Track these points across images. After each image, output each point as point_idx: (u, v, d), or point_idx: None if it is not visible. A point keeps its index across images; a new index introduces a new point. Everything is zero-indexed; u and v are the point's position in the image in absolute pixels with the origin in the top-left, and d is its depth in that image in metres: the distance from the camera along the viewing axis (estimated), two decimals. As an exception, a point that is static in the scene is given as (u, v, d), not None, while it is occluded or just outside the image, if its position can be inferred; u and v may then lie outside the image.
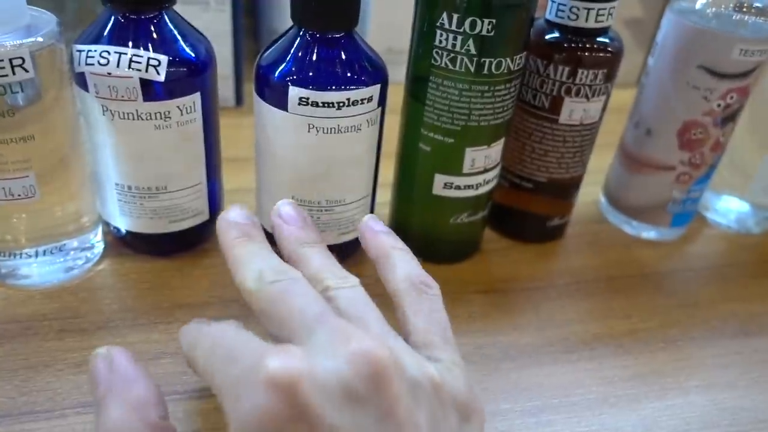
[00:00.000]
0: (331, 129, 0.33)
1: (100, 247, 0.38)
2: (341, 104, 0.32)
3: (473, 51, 0.32)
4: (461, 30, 0.32)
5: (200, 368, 0.22)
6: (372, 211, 0.39)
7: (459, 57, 0.33)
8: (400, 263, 0.26)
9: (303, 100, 0.32)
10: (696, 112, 0.40)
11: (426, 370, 0.22)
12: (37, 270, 0.35)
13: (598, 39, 0.37)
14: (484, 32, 0.32)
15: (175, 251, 0.39)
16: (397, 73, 0.36)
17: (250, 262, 0.24)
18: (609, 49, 0.37)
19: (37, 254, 0.35)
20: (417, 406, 0.20)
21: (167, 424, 0.21)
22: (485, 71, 0.33)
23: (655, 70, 0.42)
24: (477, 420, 0.23)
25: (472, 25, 0.32)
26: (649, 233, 0.46)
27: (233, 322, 0.23)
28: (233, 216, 0.26)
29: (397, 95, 0.37)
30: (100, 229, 0.38)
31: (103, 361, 0.22)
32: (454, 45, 0.33)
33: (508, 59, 0.33)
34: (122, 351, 0.22)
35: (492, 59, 0.33)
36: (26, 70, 0.29)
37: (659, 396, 0.34)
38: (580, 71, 0.37)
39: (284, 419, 0.18)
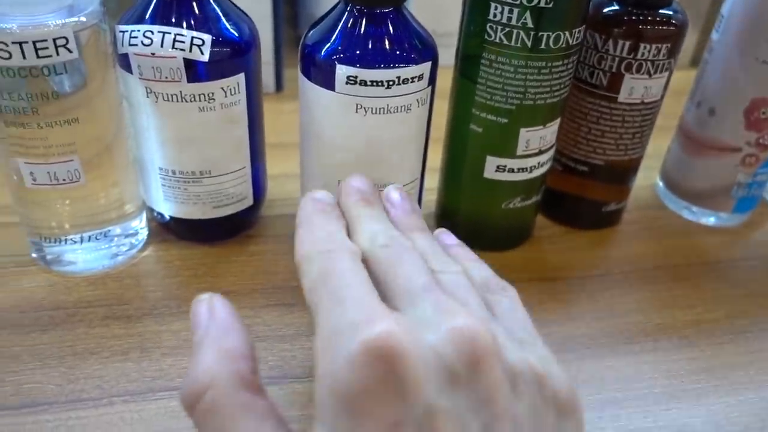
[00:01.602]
0: (380, 109, 0.31)
1: (144, 233, 0.38)
2: (391, 83, 0.31)
3: (530, 24, 0.31)
4: (517, 2, 0.30)
5: (305, 290, 0.21)
6: (420, 196, 0.38)
7: (515, 31, 0.31)
8: (475, 271, 0.25)
9: (351, 79, 0.30)
10: (766, 90, 0.38)
11: (529, 360, 0.20)
12: (82, 256, 0.35)
13: (661, 11, 0.35)
14: (542, 4, 0.30)
15: (219, 237, 0.38)
16: (442, 57, 0.35)
17: (365, 223, 0.24)
18: (673, 21, 0.35)
19: (82, 240, 0.34)
20: (517, 397, 0.19)
21: (255, 378, 0.20)
22: (542, 46, 0.31)
23: (719, 45, 0.39)
24: (575, 419, 0.21)
25: (530, -4, 0.30)
26: (709, 219, 0.44)
27: (353, 251, 0.22)
28: (356, 182, 0.26)
29: (441, 79, 0.35)
30: (144, 215, 0.37)
31: (206, 306, 0.22)
32: (509, 18, 0.31)
33: (567, 33, 0.31)
34: (222, 300, 0.22)
35: (550, 33, 0.31)
36: (70, 51, 0.29)
37: (729, 391, 0.32)
38: (641, 46, 0.35)
39: (377, 389, 0.17)
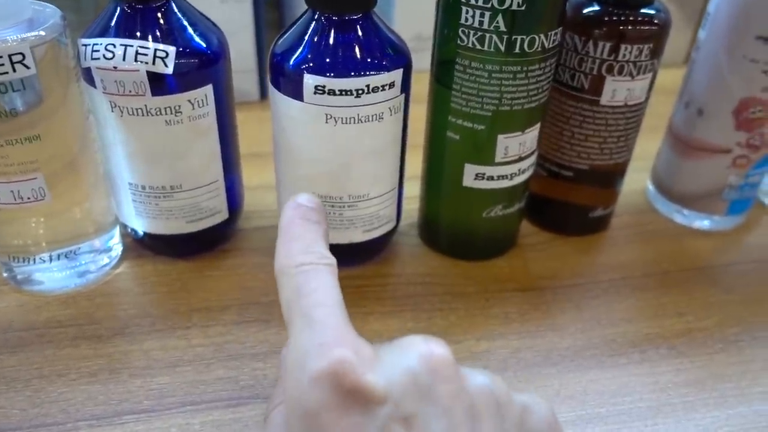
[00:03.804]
0: (350, 119, 0.30)
1: (118, 249, 0.37)
2: (360, 92, 0.30)
3: (503, 28, 0.30)
4: (489, 5, 0.29)
5: (282, 305, 0.22)
6: (399, 207, 0.37)
7: (487, 35, 0.30)
8: None
9: (319, 88, 0.30)
10: (754, 89, 0.37)
11: (490, 386, 0.21)
12: (53, 275, 0.34)
13: (643, 10, 0.34)
14: (514, 6, 0.29)
15: (195, 252, 0.37)
16: (426, 61, 0.34)
17: None
18: (655, 21, 0.34)
19: (51, 259, 0.33)
20: (480, 412, 0.20)
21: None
22: (517, 50, 0.30)
23: (706, 44, 0.38)
24: None
25: (501, -1, 0.29)
26: (702, 222, 0.43)
27: (328, 264, 0.22)
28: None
29: (424, 83, 0.35)
30: (117, 231, 0.37)
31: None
32: (481, 22, 0.30)
33: (542, 36, 0.30)
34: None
35: (524, 36, 0.30)
36: (27, 67, 0.28)
37: (719, 404, 0.31)
38: (623, 47, 0.34)
39: (334, 407, 0.19)
